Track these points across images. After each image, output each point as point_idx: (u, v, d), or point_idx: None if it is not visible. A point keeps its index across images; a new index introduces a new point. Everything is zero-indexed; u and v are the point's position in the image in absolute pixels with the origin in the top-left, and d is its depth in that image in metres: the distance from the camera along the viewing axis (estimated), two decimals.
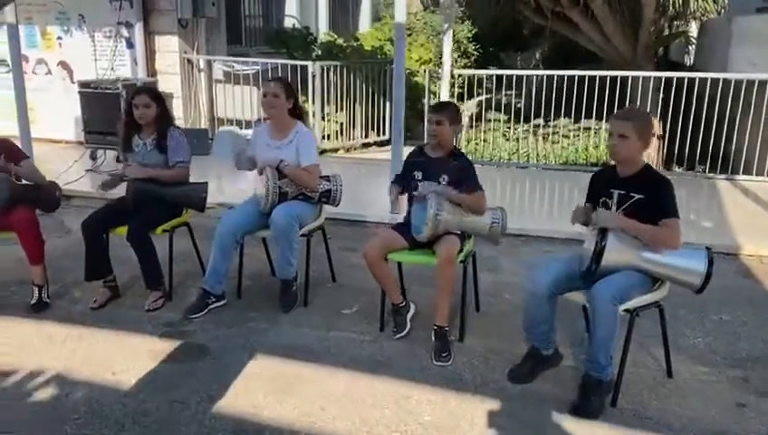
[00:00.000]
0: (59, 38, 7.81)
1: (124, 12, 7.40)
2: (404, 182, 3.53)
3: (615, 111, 7.04)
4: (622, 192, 2.79)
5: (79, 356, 3.22)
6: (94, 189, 6.10)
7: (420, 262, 3.36)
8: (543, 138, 7.82)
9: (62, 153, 7.40)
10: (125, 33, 7.53)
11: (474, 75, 7.84)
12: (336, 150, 8.39)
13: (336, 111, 8.43)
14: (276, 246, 3.68)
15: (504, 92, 8.27)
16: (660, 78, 6.86)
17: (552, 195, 6.38)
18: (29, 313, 3.67)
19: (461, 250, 3.29)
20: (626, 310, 2.71)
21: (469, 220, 3.31)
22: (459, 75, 7.69)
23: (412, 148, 3.65)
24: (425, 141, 3.58)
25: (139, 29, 7.41)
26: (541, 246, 4.84)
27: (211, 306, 3.69)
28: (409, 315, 3.46)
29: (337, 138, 8.56)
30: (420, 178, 3.42)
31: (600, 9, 7.41)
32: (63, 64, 7.87)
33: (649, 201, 2.73)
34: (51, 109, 7.72)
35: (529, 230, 4.94)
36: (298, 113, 3.87)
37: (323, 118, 8.20)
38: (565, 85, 6.88)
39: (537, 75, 7.00)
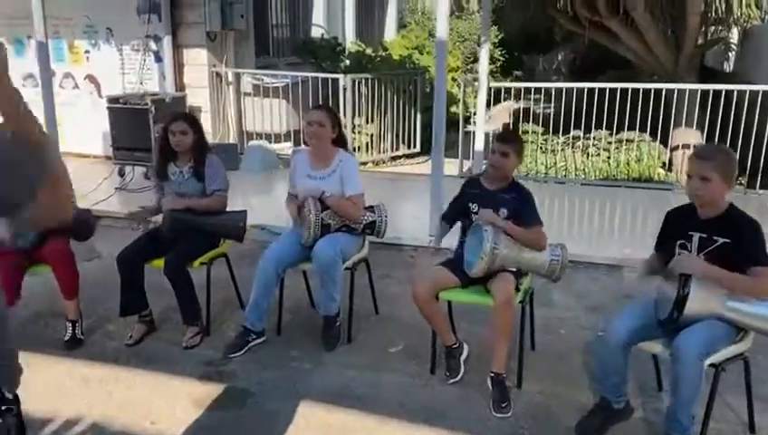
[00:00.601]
0: (86, 52, 7.71)
1: (152, 25, 7.27)
2: (455, 217, 3.33)
3: (654, 123, 6.92)
4: (704, 235, 2.56)
5: (116, 400, 3.06)
6: (124, 209, 5.98)
7: (475, 302, 3.15)
8: (582, 150, 7.56)
9: (90, 169, 7.30)
10: (153, 46, 7.41)
11: (511, 88, 7.59)
12: (365, 163, 8.20)
13: (366, 123, 8.26)
14: (319, 281, 3.49)
15: (534, 98, 8.00)
16: (708, 90, 6.57)
17: (597, 214, 6.13)
18: (62, 350, 3.52)
19: (517, 289, 3.09)
20: (711, 364, 2.48)
21: (527, 257, 3.10)
22: (494, 88, 7.43)
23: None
24: (480, 172, 3.39)
25: (167, 42, 7.29)
26: (591, 273, 4.60)
27: (251, 344, 3.52)
28: (463, 357, 3.25)
29: (367, 150, 8.38)
30: (476, 210, 3.21)
31: (642, 18, 7.15)
32: (91, 78, 7.78)
33: (735, 246, 2.49)
34: (78, 123, 7.62)
35: (578, 255, 4.68)
36: (340, 141, 3.68)
37: (353, 130, 8.02)
38: (607, 96, 6.63)
39: (577, 88, 6.74)
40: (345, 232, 3.59)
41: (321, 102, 7.97)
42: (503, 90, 7.69)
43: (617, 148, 7.31)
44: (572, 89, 6.78)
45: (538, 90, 8.12)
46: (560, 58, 17.32)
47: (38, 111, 6.61)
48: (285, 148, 7.93)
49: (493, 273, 3.03)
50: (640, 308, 2.70)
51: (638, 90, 6.68)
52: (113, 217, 5.79)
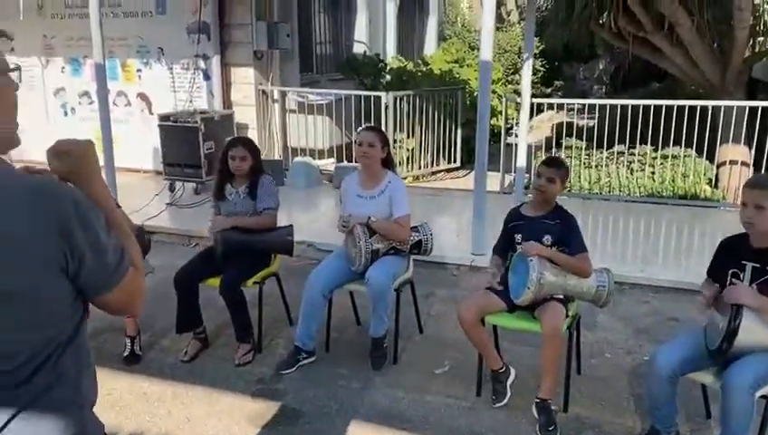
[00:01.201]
0: (138, 71, 7.99)
1: (202, 45, 7.51)
2: (503, 248, 3.37)
3: (700, 138, 6.81)
4: (757, 265, 2.56)
5: (174, 418, 3.19)
6: (174, 225, 6.19)
7: (522, 328, 3.19)
8: (626, 166, 7.49)
9: (141, 183, 7.56)
10: (202, 65, 7.65)
11: (554, 104, 7.58)
12: (404, 178, 8.28)
13: (406, 138, 8.35)
14: (371, 306, 3.57)
15: (577, 108, 7.97)
16: (756, 107, 6.47)
17: (642, 233, 6.07)
18: (122, 365, 3.68)
19: (566, 315, 3.12)
20: (762, 396, 2.48)
21: (573, 284, 3.13)
22: (538, 105, 7.42)
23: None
24: (519, 204, 3.44)
25: (215, 61, 7.51)
26: (637, 295, 4.59)
27: (301, 362, 3.62)
28: (509, 382, 3.29)
29: (407, 165, 8.47)
30: (520, 240, 3.25)
31: (688, 33, 7.07)
32: (142, 96, 8.05)
33: None
34: (130, 139, 7.88)
35: (623, 276, 4.68)
36: (389, 161, 3.78)
37: (394, 145, 8.11)
38: (651, 110, 6.58)
39: (621, 105, 6.71)
40: (393, 254, 3.67)
41: (363, 119, 8.11)
42: (543, 98, 7.67)
43: (662, 163, 7.24)
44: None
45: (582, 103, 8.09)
46: (601, 67, 17.17)
47: (94, 127, 6.92)
48: (328, 164, 8.07)
49: (540, 300, 3.07)
50: (689, 338, 2.71)
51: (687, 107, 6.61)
52: (165, 233, 6.01)
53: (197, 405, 3.30)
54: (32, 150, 8.24)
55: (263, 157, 7.61)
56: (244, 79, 7.73)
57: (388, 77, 9.84)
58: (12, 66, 1.31)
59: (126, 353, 3.73)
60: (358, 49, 10.55)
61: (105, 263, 1.27)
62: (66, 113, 8.48)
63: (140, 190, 6.97)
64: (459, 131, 8.93)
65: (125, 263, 1.32)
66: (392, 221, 3.62)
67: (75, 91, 8.38)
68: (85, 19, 7.62)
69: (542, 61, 14.16)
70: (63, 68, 8.35)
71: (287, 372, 3.56)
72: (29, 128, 8.68)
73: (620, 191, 7.45)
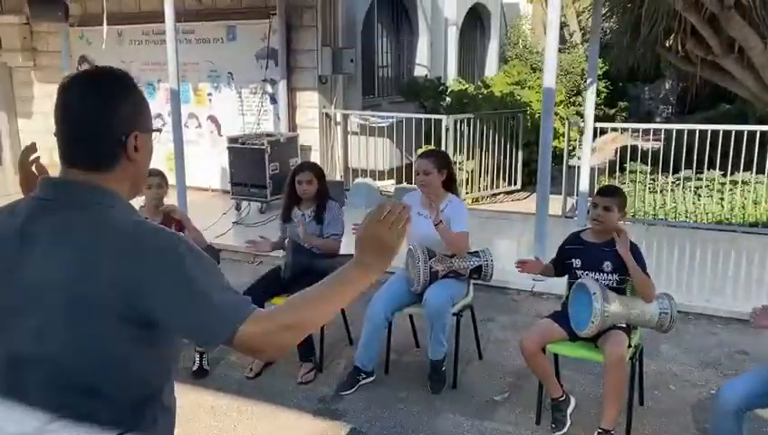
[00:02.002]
0: (209, 94, 8.35)
1: (269, 70, 7.80)
2: (561, 267, 3.39)
3: None
4: None
5: (240, 432, 3.32)
6: (241, 243, 6.41)
7: (584, 357, 3.18)
8: (694, 191, 7.30)
9: (209, 202, 7.86)
10: (269, 89, 7.93)
11: (618, 128, 7.49)
12: (463, 200, 8.31)
13: (466, 160, 8.39)
14: (429, 327, 3.63)
15: (642, 131, 7.80)
16: None
17: (710, 261, 5.90)
18: (190, 379, 3.84)
19: (628, 344, 3.09)
20: None
21: (636, 313, 3.11)
22: (601, 129, 7.34)
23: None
24: (581, 229, 3.44)
25: (282, 86, 7.77)
26: (704, 325, 4.47)
27: (361, 382, 3.70)
28: (569, 410, 3.28)
29: (466, 186, 8.50)
30: (579, 265, 3.26)
31: (760, 56, 6.88)
32: (212, 118, 8.40)
33: None
34: (199, 159, 8.21)
35: (689, 306, 4.58)
36: (451, 183, 3.84)
37: (453, 166, 8.16)
38: (720, 135, 6.42)
39: (688, 129, 6.57)
40: (452, 278, 3.72)
41: (423, 142, 8.22)
42: (607, 119, 7.58)
43: (731, 190, 7.02)
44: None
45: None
46: (667, 87, 16.76)
47: (166, 148, 7.26)
48: (388, 185, 8.19)
49: (603, 329, 3.06)
50: (759, 371, 2.64)
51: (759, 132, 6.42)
52: (232, 251, 6.23)
53: (262, 421, 3.42)
54: None
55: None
56: (309, 102, 7.96)
57: (448, 99, 9.93)
58: (155, 127, 1.38)
59: (195, 368, 3.90)
60: (419, 72, 10.70)
61: (209, 315, 1.20)
62: None
63: (209, 209, 7.25)
64: (520, 153, 8.91)
65: (238, 315, 1.21)
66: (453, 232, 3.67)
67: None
68: (160, 45, 8.06)
69: (605, 82, 13.96)
70: None
71: (347, 392, 3.65)
72: None
73: (687, 217, 7.26)
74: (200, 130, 8.48)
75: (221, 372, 3.95)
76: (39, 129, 9.50)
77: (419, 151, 8.37)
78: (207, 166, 8.21)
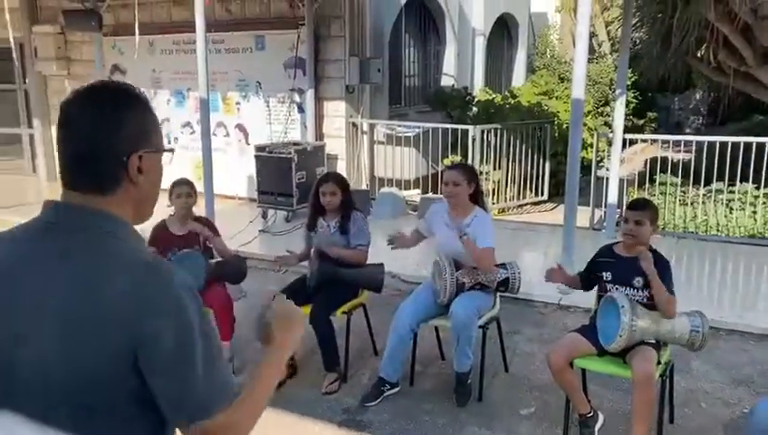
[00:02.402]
0: (237, 103, 8.44)
1: (297, 79, 7.86)
2: (586, 282, 3.34)
3: None
4: None
5: None
6: (266, 251, 6.44)
7: (612, 373, 3.13)
8: (726, 204, 7.17)
9: (236, 210, 7.93)
10: (297, 98, 7.99)
11: (647, 139, 7.38)
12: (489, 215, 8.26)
13: (492, 170, 8.35)
14: (454, 339, 3.61)
15: (672, 142, 7.68)
16: None
17: (743, 276, 5.78)
18: None
19: (657, 362, 3.03)
20: None
21: (666, 329, 3.05)
22: (630, 140, 7.25)
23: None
24: (613, 241, 3.39)
25: (310, 95, 7.82)
26: (736, 342, 4.37)
27: (386, 394, 3.69)
28: (597, 426, 3.23)
29: (492, 197, 8.45)
30: (610, 278, 3.21)
31: None
32: (240, 127, 8.49)
33: None
34: (227, 168, 8.30)
35: (721, 322, 4.49)
36: (477, 196, 3.82)
37: (480, 176, 8.13)
38: (754, 147, 6.29)
39: (720, 141, 6.46)
40: (479, 290, 3.69)
41: (450, 151, 8.20)
42: (636, 129, 7.48)
43: (764, 203, 6.87)
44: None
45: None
46: (698, 97, 16.53)
47: (194, 156, 7.35)
48: (414, 195, 8.19)
49: (632, 344, 3.01)
50: None
51: None
52: (257, 259, 6.27)
53: (286, 431, 3.42)
54: None
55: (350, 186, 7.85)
56: (336, 112, 8.00)
57: (475, 109, 9.90)
58: (167, 148, 1.29)
59: None
60: (446, 82, 10.69)
61: (190, 388, 1.11)
62: (169, 142, 9.03)
63: (235, 217, 7.31)
64: (547, 164, 8.85)
65: (221, 399, 1.14)
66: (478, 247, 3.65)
67: (179, 122, 8.95)
68: (190, 54, 8.19)
69: (634, 92, 13.81)
70: (169, 100, 8.94)
71: (372, 404, 3.63)
72: None
73: (718, 231, 7.13)
74: (228, 139, 8.57)
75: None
76: None
77: (445, 162, 8.38)
78: (235, 174, 8.29)
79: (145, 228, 4.24)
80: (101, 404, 1.11)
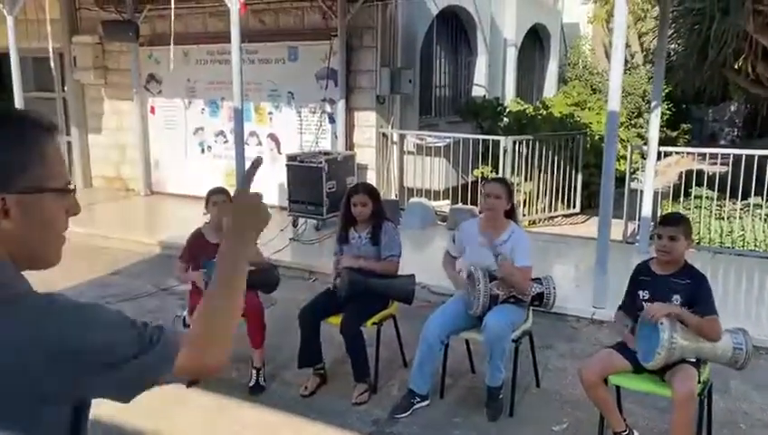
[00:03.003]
0: (270, 113, 8.52)
1: (329, 90, 7.91)
2: (631, 307, 3.25)
3: None
4: None
5: None
6: (297, 259, 6.48)
7: (650, 391, 3.07)
8: (764, 219, 7.00)
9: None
10: (328, 109, 8.04)
11: (682, 153, 7.27)
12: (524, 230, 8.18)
13: (523, 181, 8.29)
14: (487, 353, 3.57)
15: (708, 154, 7.52)
16: None
17: None
18: (247, 395, 3.88)
19: (698, 380, 2.96)
20: None
21: (708, 347, 2.98)
22: (665, 153, 7.14)
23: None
24: (650, 257, 3.32)
25: (341, 105, 7.86)
26: None
27: (416, 406, 3.66)
28: None
29: (523, 208, 8.38)
30: (647, 297, 3.15)
31: None
32: (272, 137, 8.56)
33: None
34: (258, 176, 8.31)
35: (761, 340, 4.35)
36: (512, 212, 3.79)
37: None
38: None
39: (759, 155, 6.32)
40: (513, 303, 3.66)
41: (480, 162, 8.17)
42: (669, 141, 7.35)
43: None
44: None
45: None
46: (733, 109, 16.23)
47: (227, 164, 7.44)
48: (443, 205, 8.16)
49: (671, 362, 2.94)
50: None
51: None
52: (288, 267, 6.30)
53: None
54: (173, 183, 9.09)
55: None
56: (366, 122, 8.03)
57: (506, 120, 9.85)
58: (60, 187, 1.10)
59: (251, 384, 3.94)
60: (477, 92, 10.67)
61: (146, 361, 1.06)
62: (203, 150, 9.17)
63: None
64: (579, 175, 8.76)
65: (165, 352, 1.07)
66: (516, 268, 3.61)
67: (212, 131, 9.06)
68: (225, 65, 8.30)
69: (668, 104, 13.61)
70: (203, 109, 9.06)
71: (402, 416, 3.61)
72: (170, 163, 9.47)
73: (756, 246, 6.96)
74: (260, 148, 8.64)
75: (276, 389, 3.98)
76: (108, 144, 9.92)
77: (476, 173, 8.35)
78: (266, 183, 8.34)
79: (182, 235, 4.30)
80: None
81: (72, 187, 1.11)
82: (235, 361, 4.19)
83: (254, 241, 1.25)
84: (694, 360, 2.99)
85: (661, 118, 12.88)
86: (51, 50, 7.75)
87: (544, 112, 10.17)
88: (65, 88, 9.96)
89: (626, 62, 14.52)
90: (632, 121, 12.97)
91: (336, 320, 3.85)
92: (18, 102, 7.90)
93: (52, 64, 8.06)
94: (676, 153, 7.41)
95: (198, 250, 4.01)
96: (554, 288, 3.72)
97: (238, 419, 3.63)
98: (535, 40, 13.06)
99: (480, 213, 3.94)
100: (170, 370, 1.07)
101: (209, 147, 9.12)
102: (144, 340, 1.06)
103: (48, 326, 1.00)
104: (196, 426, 3.61)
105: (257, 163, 1.33)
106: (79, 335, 1.01)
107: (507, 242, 3.66)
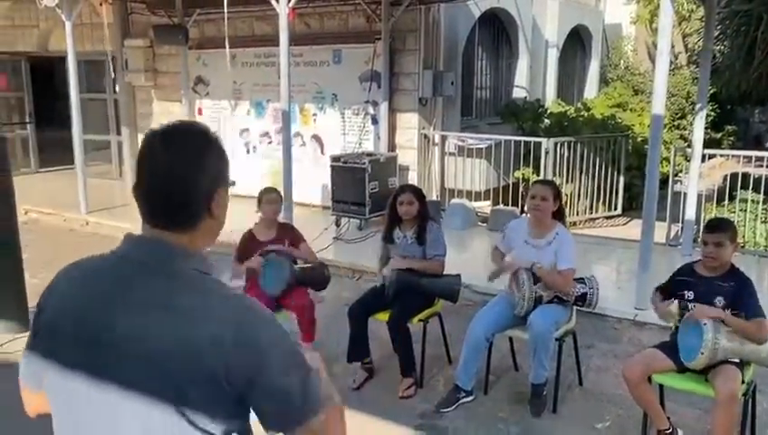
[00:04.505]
0: (314, 115, 8.72)
1: (372, 92, 8.07)
2: (667, 295, 3.34)
3: None
4: None
5: None
6: (340, 258, 6.64)
7: (692, 390, 3.13)
8: None
9: (311, 217, 8.17)
10: (371, 110, 8.20)
11: (727, 155, 7.21)
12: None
13: (564, 183, 8.30)
14: (531, 351, 3.67)
15: (754, 156, 7.43)
16: None
17: None
18: None
19: (741, 380, 3.01)
20: None
21: (751, 349, 3.03)
22: (709, 155, 7.08)
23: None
24: (694, 260, 3.37)
25: (384, 107, 8.01)
26: None
27: (461, 401, 3.78)
28: None
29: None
30: (691, 298, 3.20)
31: None
32: (316, 138, 8.76)
33: None
34: (302, 176, 8.55)
35: None
36: (560, 213, 3.87)
37: None
38: None
39: None
40: (557, 303, 3.74)
41: (522, 164, 8.22)
42: (714, 143, 7.27)
43: None
44: None
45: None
46: None
47: (272, 164, 7.65)
48: (484, 206, 8.24)
49: (714, 363, 3.00)
50: None
51: None
52: (331, 265, 6.45)
53: (366, 432, 3.55)
54: None
55: None
56: (409, 123, 8.16)
57: (547, 121, 9.87)
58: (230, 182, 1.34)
59: None
60: (517, 94, 10.70)
61: (287, 403, 1.19)
62: (248, 151, 9.42)
63: (311, 224, 7.53)
64: (621, 177, 8.73)
65: (310, 406, 1.21)
66: (556, 272, 3.70)
67: (257, 132, 9.31)
68: (270, 67, 8.55)
69: (712, 105, 13.39)
70: (249, 111, 9.31)
71: (447, 410, 3.73)
72: None
73: None
74: (304, 149, 8.85)
75: None
76: None
77: (517, 174, 8.40)
78: (310, 183, 8.55)
79: (229, 233, 4.47)
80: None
81: (234, 181, 1.39)
82: None
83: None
84: (737, 361, 3.04)
85: (705, 119, 12.72)
86: (108, 53, 8.07)
87: (585, 114, 10.14)
88: (116, 89, 10.33)
89: (670, 62, 14.37)
90: (675, 123, 12.80)
91: (384, 316, 3.99)
92: (74, 104, 8.27)
93: (110, 67, 8.39)
94: (721, 156, 7.33)
95: (251, 249, 4.20)
96: (597, 288, 3.80)
97: None
98: (577, 41, 13.00)
99: (525, 213, 4.03)
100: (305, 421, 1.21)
101: (255, 147, 9.36)
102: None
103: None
104: None
105: None
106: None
107: (552, 243, 3.74)
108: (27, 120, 11.85)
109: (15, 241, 4.82)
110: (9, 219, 4.81)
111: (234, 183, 1.38)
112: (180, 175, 1.23)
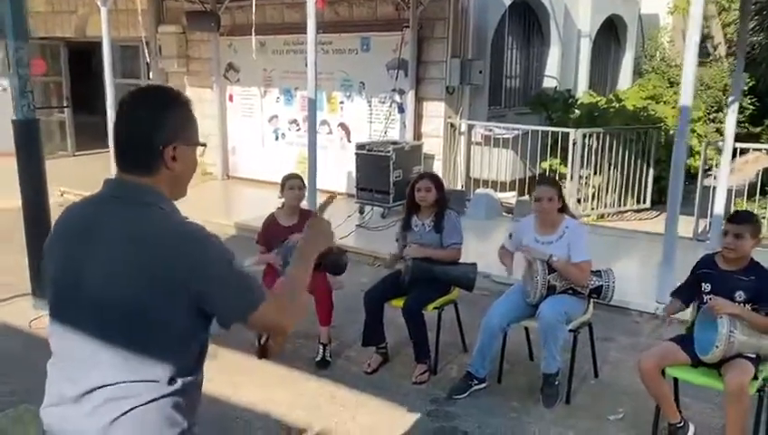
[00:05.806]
0: (341, 102, 8.76)
1: (399, 80, 8.07)
2: (687, 295, 3.30)
3: None
4: None
5: (358, 423, 3.53)
6: (363, 245, 6.70)
7: (705, 384, 3.10)
8: None
9: (335, 204, 8.09)
10: (398, 99, 8.20)
11: (760, 149, 7.04)
12: (587, 216, 8.12)
13: (593, 175, 8.20)
14: (541, 340, 3.67)
15: None
16: None
17: None
18: (313, 368, 4.12)
19: (755, 376, 2.97)
20: None
21: (767, 344, 2.99)
22: (741, 150, 6.93)
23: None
24: (714, 251, 3.33)
25: (410, 96, 8.01)
26: None
27: (473, 388, 3.80)
28: None
29: (591, 202, 8.31)
30: (709, 290, 3.17)
31: None
32: (343, 126, 8.80)
33: None
34: (328, 164, 8.62)
35: None
36: (564, 207, 3.85)
37: (579, 181, 8.02)
38: None
39: None
40: (571, 294, 3.73)
41: (549, 154, 8.13)
42: (752, 137, 7.11)
43: None
44: None
45: None
46: None
47: (300, 151, 7.71)
48: (509, 197, 8.19)
49: (729, 357, 2.97)
50: None
51: None
52: (354, 253, 6.52)
53: (379, 416, 3.61)
54: (248, 168, 9.46)
55: (446, 187, 7.98)
56: (435, 112, 8.15)
57: (577, 112, 9.74)
58: (200, 142, 1.61)
59: (318, 359, 4.17)
60: (548, 83, 10.58)
61: (232, 296, 1.48)
62: (277, 138, 9.52)
63: (334, 211, 7.53)
64: (651, 171, 8.59)
65: (254, 298, 1.49)
66: (572, 264, 3.68)
67: (286, 119, 9.39)
68: (299, 54, 8.59)
69: (751, 98, 13.02)
70: (278, 98, 9.40)
71: (460, 396, 3.76)
72: (247, 149, 9.85)
73: None
74: (331, 137, 8.91)
75: (342, 365, 4.20)
76: None
77: (543, 165, 8.32)
78: (335, 170, 8.61)
79: (256, 217, 4.54)
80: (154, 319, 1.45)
81: (204, 143, 1.63)
82: (303, 337, 4.45)
83: (320, 250, 1.79)
84: (754, 356, 3.00)
85: (743, 113, 12.43)
86: (142, 39, 8.22)
87: (617, 105, 9.97)
88: (150, 75, 10.51)
89: (708, 54, 14.03)
90: (711, 116, 12.50)
91: (399, 302, 4.03)
92: (109, 89, 8.45)
93: (146, 52, 8.54)
94: (754, 150, 7.16)
95: (272, 234, 4.27)
96: (613, 281, 3.77)
97: (305, 391, 3.87)
98: (611, 31, 12.76)
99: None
100: (255, 309, 1.49)
101: (283, 134, 9.45)
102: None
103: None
104: (258, 394, 3.84)
105: (331, 199, 2.01)
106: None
107: (563, 237, 3.73)
108: (65, 105, 12.14)
109: (47, 221, 4.98)
110: (41, 201, 4.98)
111: (204, 145, 1.61)
112: (138, 125, 1.50)
